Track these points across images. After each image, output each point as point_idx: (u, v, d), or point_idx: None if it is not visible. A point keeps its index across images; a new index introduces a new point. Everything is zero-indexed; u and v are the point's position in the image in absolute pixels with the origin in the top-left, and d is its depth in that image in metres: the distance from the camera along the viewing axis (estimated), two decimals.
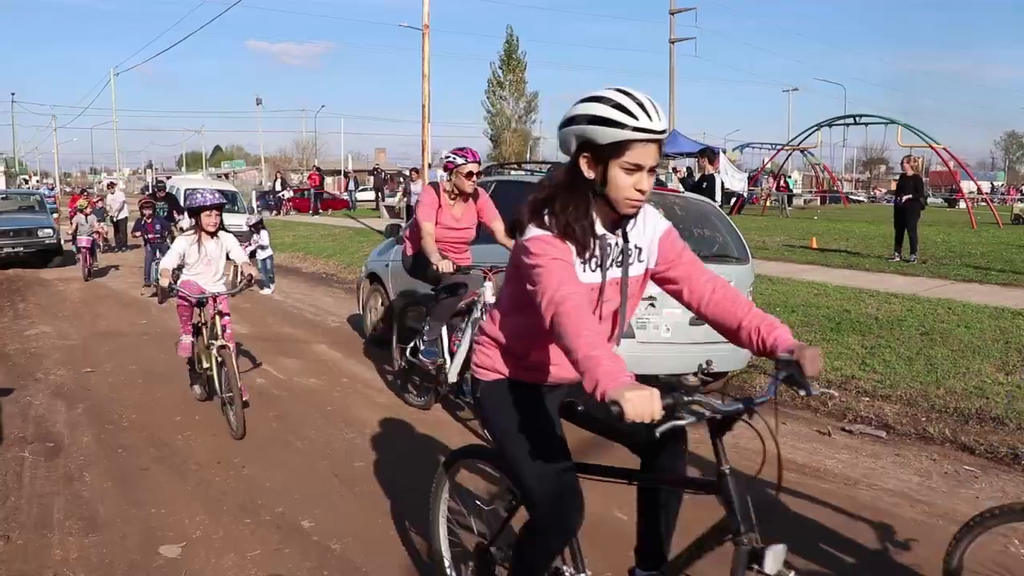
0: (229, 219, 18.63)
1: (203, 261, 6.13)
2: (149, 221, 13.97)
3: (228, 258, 6.31)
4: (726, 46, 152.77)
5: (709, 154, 10.78)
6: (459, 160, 6.09)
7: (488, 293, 5.78)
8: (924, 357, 7.42)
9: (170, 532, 4.05)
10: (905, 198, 14.24)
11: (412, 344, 6.43)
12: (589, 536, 4.07)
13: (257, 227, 13.59)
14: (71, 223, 17.05)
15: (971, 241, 17.35)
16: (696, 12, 35.32)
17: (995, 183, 64.37)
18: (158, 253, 12.53)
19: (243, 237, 13.96)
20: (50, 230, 16.99)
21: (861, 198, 55.52)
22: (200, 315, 6.23)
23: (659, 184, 8.09)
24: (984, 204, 30.81)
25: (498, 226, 6.09)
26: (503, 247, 5.67)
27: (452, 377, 5.89)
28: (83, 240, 15.27)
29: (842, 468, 5.29)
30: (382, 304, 8.81)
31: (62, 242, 17.42)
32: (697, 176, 12.12)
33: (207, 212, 6.04)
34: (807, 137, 30.55)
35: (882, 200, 55.72)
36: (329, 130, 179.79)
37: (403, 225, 9.05)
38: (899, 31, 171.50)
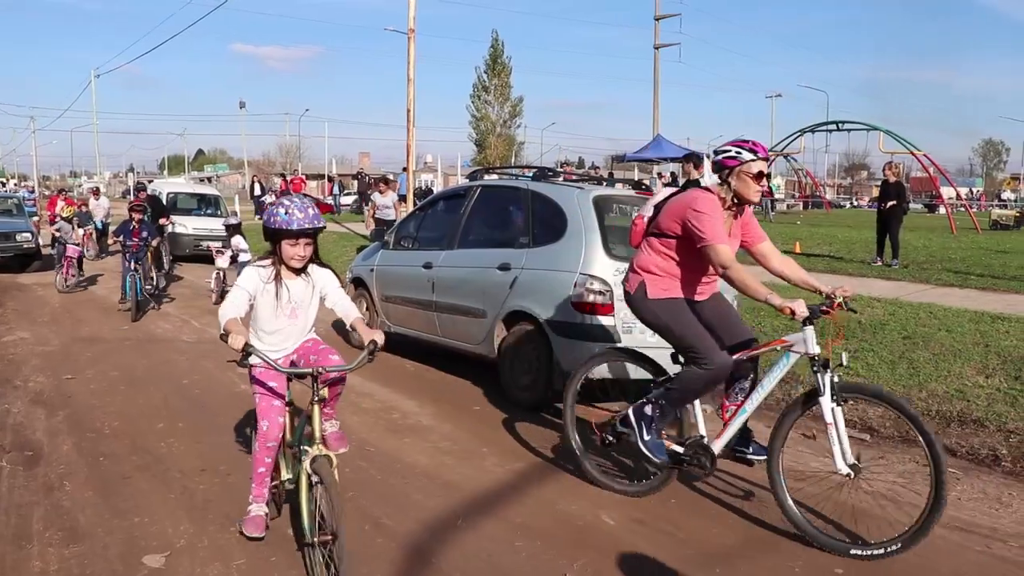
0: (210, 223, 18.21)
1: (285, 311, 3.95)
2: (137, 227, 11.91)
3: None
4: (710, 52, 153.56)
5: (695, 159, 10.80)
6: (746, 155, 4.29)
7: (811, 342, 4.26)
8: (907, 360, 7.46)
9: (154, 541, 4.00)
10: (889, 204, 14.35)
11: (621, 416, 4.78)
12: (576, 540, 4.08)
13: (236, 229, 13.20)
14: (51, 227, 16.30)
15: (951, 246, 17.49)
16: (680, 18, 35.61)
17: (973, 189, 64.93)
18: (134, 264, 11.34)
19: (223, 242, 13.80)
20: (29, 234, 16.79)
21: (843, 203, 55.86)
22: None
23: (646, 189, 8.09)
24: (963, 210, 31.07)
25: (767, 249, 4.67)
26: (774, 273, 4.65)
27: (720, 448, 4.56)
28: (71, 250, 14.20)
29: (826, 470, 5.29)
30: (367, 309, 8.78)
31: (41, 247, 17.24)
32: (682, 181, 12.15)
33: (292, 240, 3.75)
34: (791, 143, 30.71)
35: (864, 207, 56.18)
36: (313, 134, 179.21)
37: (386, 231, 9.02)
38: (881, 40, 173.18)
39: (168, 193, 19.98)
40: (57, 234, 14.95)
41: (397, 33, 29.65)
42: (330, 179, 58.21)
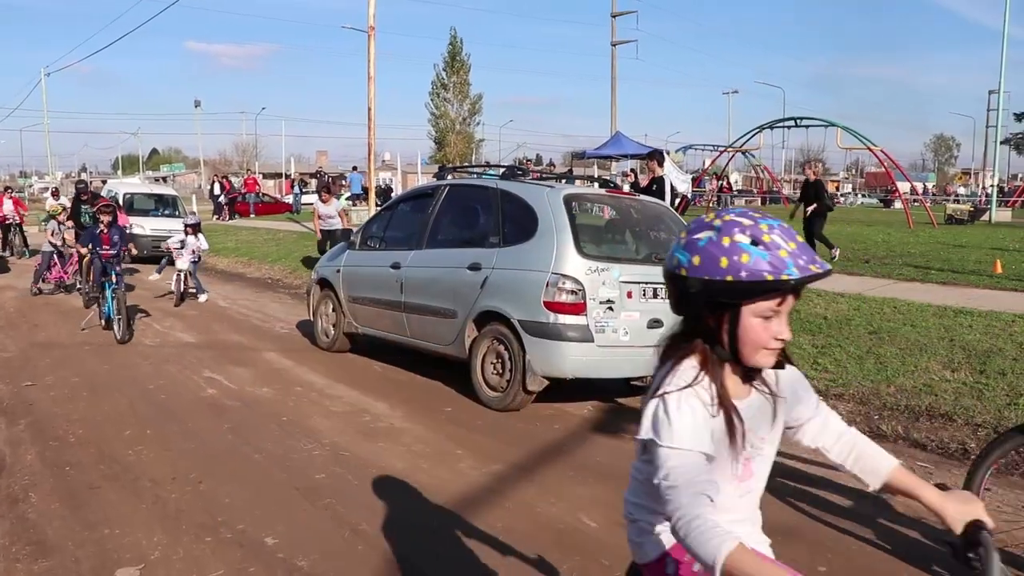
0: (168, 224, 17.57)
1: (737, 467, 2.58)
2: (106, 231, 10.49)
3: None
4: (667, 49, 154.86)
5: (659, 157, 10.84)
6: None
7: None
8: (874, 356, 7.55)
9: (127, 554, 3.88)
10: (810, 209, 14.52)
11: None
12: (560, 543, 4.04)
13: (195, 228, 12.95)
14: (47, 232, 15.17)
15: (909, 241, 17.79)
16: (637, 15, 35.70)
17: (927, 184, 66.20)
18: (114, 276, 9.80)
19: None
20: None
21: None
22: None
23: (614, 187, 8.08)
24: (917, 204, 31.63)
25: None
26: None
27: None
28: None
29: (803, 467, 5.33)
30: (333, 310, 8.68)
31: None
32: (645, 180, 12.19)
33: (776, 303, 1.67)
34: (750, 139, 31.04)
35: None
36: (270, 133, 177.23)
37: (352, 231, 8.92)
38: (835, 37, 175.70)
39: (124, 194, 19.61)
40: (51, 239, 13.98)
41: (354, 31, 29.50)
42: (288, 177, 57.72)
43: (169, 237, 13.53)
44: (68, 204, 20.47)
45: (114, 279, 9.76)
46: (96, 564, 3.79)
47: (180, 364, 8.12)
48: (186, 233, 12.81)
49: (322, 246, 14.04)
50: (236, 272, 16.97)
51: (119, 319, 9.32)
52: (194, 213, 15.88)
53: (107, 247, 10.30)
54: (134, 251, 12.78)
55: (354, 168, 36.78)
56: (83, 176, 65.68)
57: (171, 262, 12.88)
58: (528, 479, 5.03)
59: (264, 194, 45.31)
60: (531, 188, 6.86)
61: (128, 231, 15.01)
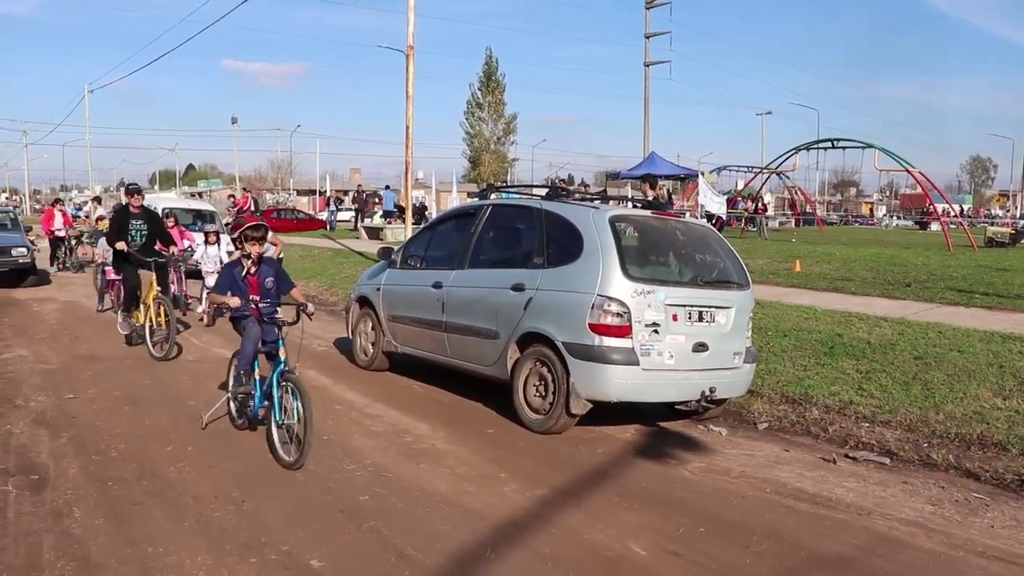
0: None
1: None
2: (254, 271, 7.13)
3: None
4: (700, 69, 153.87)
5: (651, 180, 10.86)
6: None
7: None
8: (920, 382, 7.39)
9: (171, 574, 3.86)
10: None
11: None
12: (609, 571, 3.94)
13: (217, 236, 12.40)
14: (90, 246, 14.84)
15: (950, 264, 17.46)
16: (671, 36, 35.69)
17: (964, 207, 65.31)
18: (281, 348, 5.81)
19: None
20: (24, 249, 16.61)
21: (834, 220, 56.13)
22: None
23: (658, 207, 7.97)
24: (954, 226, 31.16)
25: None
26: None
27: None
28: (114, 272, 11.85)
29: (853, 497, 5.22)
30: (372, 328, 8.67)
31: (36, 262, 17.05)
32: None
33: None
34: (785, 160, 30.79)
35: (854, 223, 56.45)
36: (304, 150, 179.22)
37: (394, 249, 8.91)
38: (869, 58, 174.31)
39: (163, 208, 19.81)
40: (98, 255, 13.19)
41: (390, 50, 29.75)
42: (322, 194, 58.25)
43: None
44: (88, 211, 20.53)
45: (282, 357, 5.68)
46: None
47: (220, 380, 8.11)
48: (207, 243, 12.33)
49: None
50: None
51: (294, 442, 5.51)
52: (213, 220, 15.70)
53: (257, 297, 6.02)
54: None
55: (387, 187, 37.08)
56: (121, 191, 66.21)
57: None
58: (574, 504, 4.95)
59: (297, 210, 45.78)
60: (576, 209, 6.81)
61: (189, 248, 13.33)
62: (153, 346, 9.36)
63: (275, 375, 5.66)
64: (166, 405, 7.12)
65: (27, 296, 15.19)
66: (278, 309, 6.01)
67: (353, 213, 35.60)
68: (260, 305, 5.95)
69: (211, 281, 11.64)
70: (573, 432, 6.50)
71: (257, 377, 5.99)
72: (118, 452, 5.77)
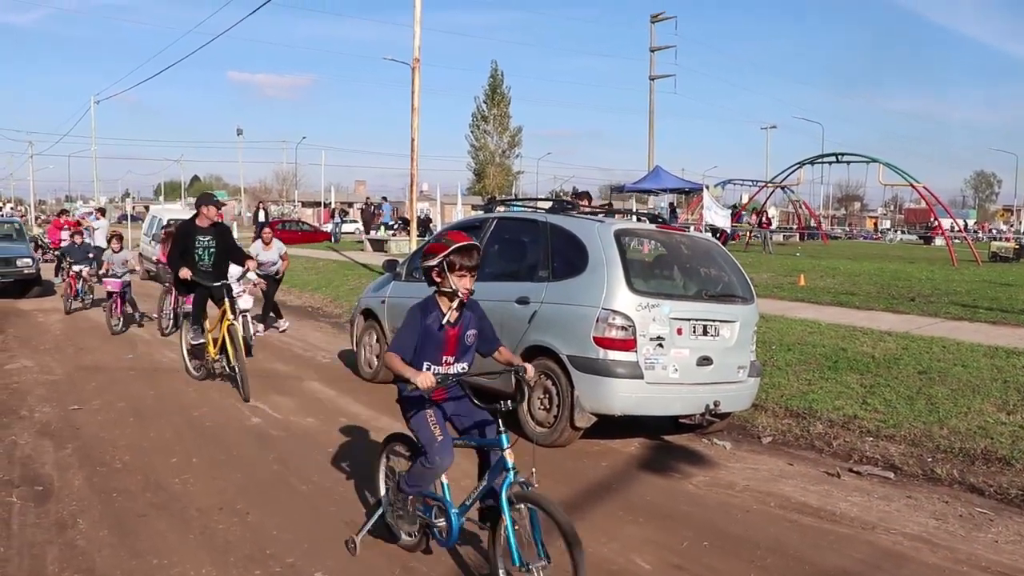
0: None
1: None
2: (454, 324, 7.36)
3: None
4: (705, 83, 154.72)
5: (587, 197, 10.59)
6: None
7: None
8: (924, 396, 7.38)
9: None
10: None
11: None
12: None
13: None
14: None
15: (954, 279, 17.46)
16: (676, 50, 35.89)
17: (968, 221, 65.33)
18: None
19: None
20: (29, 260, 16.67)
21: (838, 234, 56.15)
22: None
23: (663, 223, 7.98)
24: (958, 241, 31.15)
25: None
26: None
27: None
28: (113, 283, 12.20)
29: (857, 511, 5.21)
30: (376, 341, 8.68)
31: (41, 273, 17.10)
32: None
33: None
34: (790, 174, 30.85)
35: (858, 237, 56.44)
36: (309, 162, 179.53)
37: (399, 261, 8.93)
38: (874, 72, 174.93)
39: (170, 219, 19.84)
40: (105, 267, 12.61)
41: (395, 62, 29.92)
42: (327, 206, 58.41)
43: None
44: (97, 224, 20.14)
45: (508, 460, 3.84)
46: None
47: (223, 391, 8.14)
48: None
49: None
50: (277, 300, 17.08)
51: None
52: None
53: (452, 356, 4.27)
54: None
55: (384, 199, 37.41)
56: (126, 201, 66.09)
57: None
58: (578, 517, 4.91)
59: (302, 221, 45.93)
60: (581, 222, 6.82)
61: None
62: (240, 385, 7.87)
63: (504, 492, 3.72)
64: (170, 416, 7.12)
65: (32, 307, 15.22)
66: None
67: (360, 225, 35.78)
68: (454, 377, 4.18)
69: (245, 303, 10.22)
70: (577, 445, 6.50)
71: (445, 482, 4.16)
72: (123, 463, 5.79)
